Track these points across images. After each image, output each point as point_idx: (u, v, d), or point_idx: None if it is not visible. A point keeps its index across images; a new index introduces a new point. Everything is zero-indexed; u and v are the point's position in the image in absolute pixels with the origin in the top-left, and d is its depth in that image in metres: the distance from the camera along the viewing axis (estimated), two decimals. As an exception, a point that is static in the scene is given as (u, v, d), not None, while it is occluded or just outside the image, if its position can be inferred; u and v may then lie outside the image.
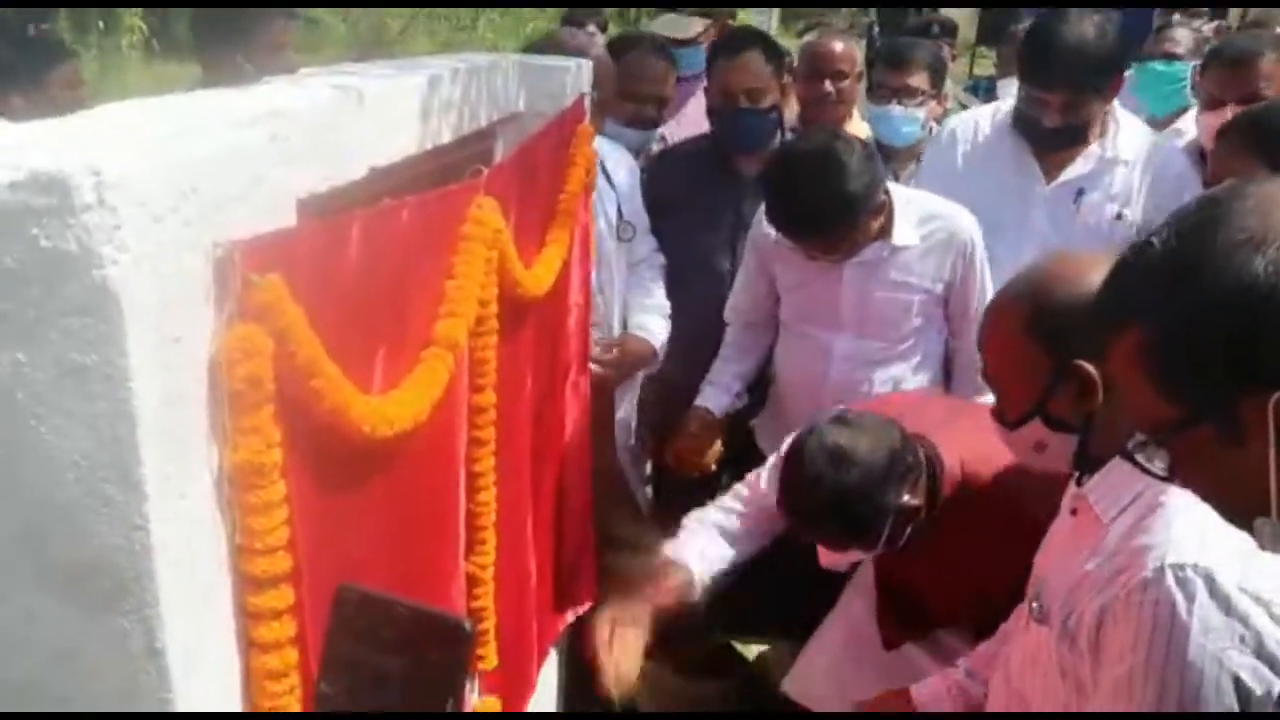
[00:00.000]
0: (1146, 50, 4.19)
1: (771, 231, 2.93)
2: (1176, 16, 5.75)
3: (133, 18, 11.32)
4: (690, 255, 3.49)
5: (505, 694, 2.21)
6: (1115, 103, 3.25)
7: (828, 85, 3.74)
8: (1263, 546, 1.11)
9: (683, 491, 3.63)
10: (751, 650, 3.27)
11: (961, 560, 2.19)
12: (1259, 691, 1.38)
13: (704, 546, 2.61)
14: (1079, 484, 1.70)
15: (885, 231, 2.89)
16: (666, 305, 3.44)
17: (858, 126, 3.75)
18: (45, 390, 1.06)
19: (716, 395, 3.25)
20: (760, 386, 3.35)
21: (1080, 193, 3.24)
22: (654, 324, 3.40)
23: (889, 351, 2.99)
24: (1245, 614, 1.41)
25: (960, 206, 2.99)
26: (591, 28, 4.85)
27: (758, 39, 3.48)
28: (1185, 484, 1.19)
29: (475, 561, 1.97)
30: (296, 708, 1.31)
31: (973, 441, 2.22)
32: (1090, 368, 1.60)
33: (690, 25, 4.33)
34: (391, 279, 1.54)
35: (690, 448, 3.27)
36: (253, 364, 1.17)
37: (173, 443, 1.13)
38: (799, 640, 2.75)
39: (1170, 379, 1.09)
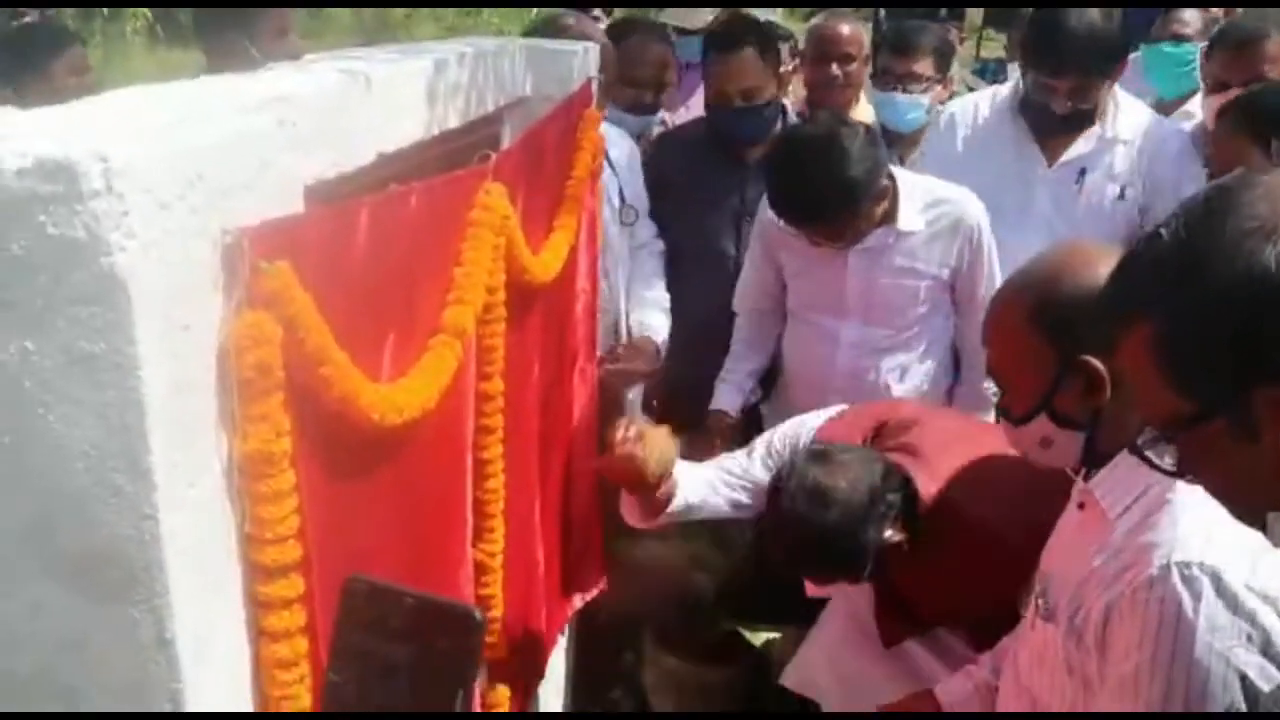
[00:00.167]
0: (1154, 33, 4.16)
1: (776, 218, 2.92)
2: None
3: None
4: (693, 239, 3.48)
5: (513, 681, 2.21)
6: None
7: (834, 69, 3.71)
8: (1276, 544, 1.09)
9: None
10: (759, 637, 3.27)
11: (943, 581, 2.19)
12: (1266, 689, 1.37)
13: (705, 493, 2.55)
14: (1086, 479, 1.69)
15: (890, 217, 2.87)
16: (667, 298, 3.43)
17: (864, 110, 3.73)
18: (53, 379, 1.05)
19: (731, 395, 3.24)
20: (769, 374, 3.34)
21: (1082, 173, 3.23)
22: (656, 321, 3.38)
23: (895, 339, 2.98)
24: (1252, 612, 1.40)
25: (967, 191, 2.97)
26: (597, 11, 4.83)
27: (751, 33, 3.42)
28: (1196, 480, 1.17)
29: (483, 549, 1.97)
30: (306, 697, 1.30)
31: (962, 468, 2.22)
32: (1097, 363, 1.57)
33: (699, 16, 4.30)
34: (399, 265, 1.53)
35: (711, 457, 3.25)
36: (262, 351, 1.16)
37: (182, 431, 1.12)
38: (805, 627, 2.74)
39: (1181, 373, 1.07)
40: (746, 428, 3.31)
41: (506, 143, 2.27)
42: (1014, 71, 3.90)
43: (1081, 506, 1.70)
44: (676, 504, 2.43)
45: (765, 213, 3.01)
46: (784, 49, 4.21)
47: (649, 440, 2.29)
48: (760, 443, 2.55)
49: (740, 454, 2.58)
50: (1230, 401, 1.04)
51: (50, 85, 3.39)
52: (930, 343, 3.01)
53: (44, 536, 1.10)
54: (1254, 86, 2.94)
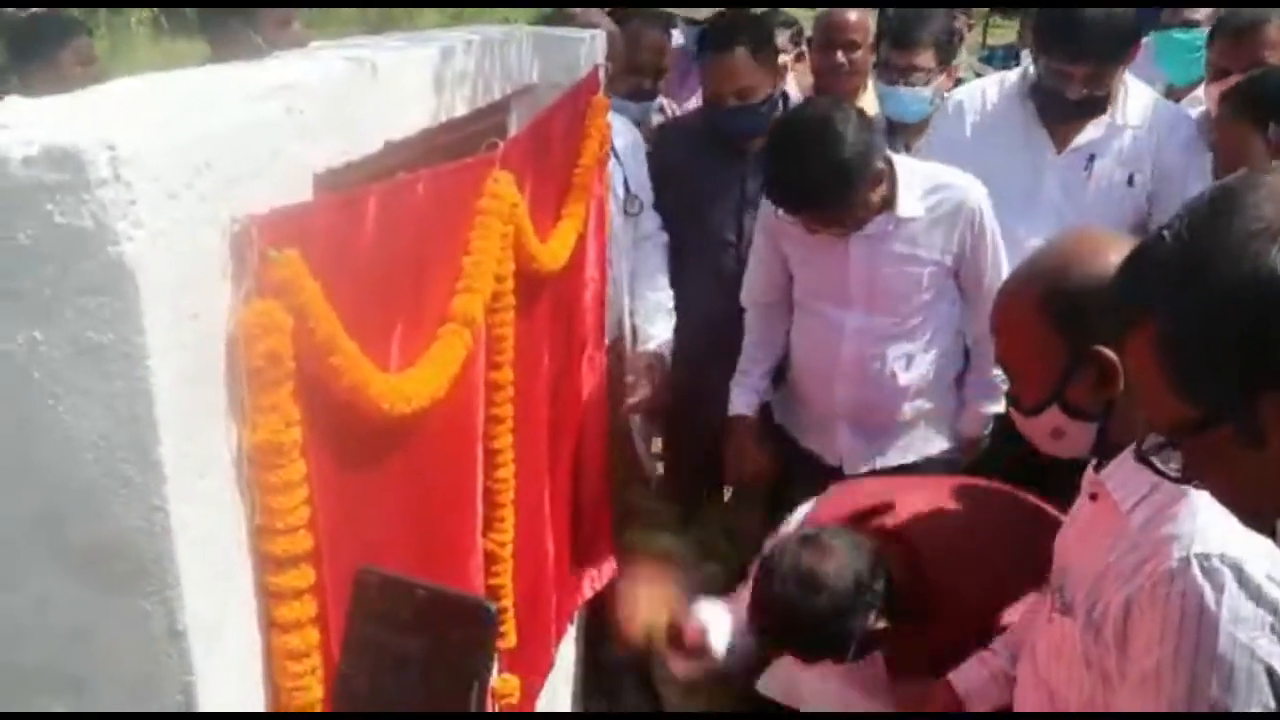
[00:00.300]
0: (1164, 19, 4.13)
1: (786, 214, 2.91)
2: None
3: (141, -7, 11.29)
4: (695, 229, 3.47)
5: (524, 671, 2.20)
6: (1122, 68, 3.22)
7: (839, 56, 3.70)
8: None
9: (693, 468, 3.63)
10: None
11: (927, 651, 2.22)
12: None
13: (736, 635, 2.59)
14: (1097, 469, 1.67)
15: (889, 204, 2.86)
16: (670, 295, 3.44)
17: (872, 98, 3.71)
18: (62, 369, 1.04)
19: (747, 397, 3.22)
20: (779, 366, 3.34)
21: (1091, 159, 3.21)
22: (659, 327, 3.40)
23: (900, 326, 2.96)
24: (1275, 602, 1.38)
25: (968, 175, 2.95)
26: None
27: (744, 31, 3.38)
28: (1202, 486, 1.15)
29: (493, 539, 1.96)
30: (318, 688, 1.29)
31: (940, 544, 2.27)
32: (1110, 353, 1.55)
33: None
34: (408, 254, 1.52)
35: (742, 464, 3.25)
36: (272, 340, 1.15)
37: (191, 422, 1.11)
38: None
39: (1185, 377, 1.04)
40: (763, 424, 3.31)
41: (514, 131, 2.26)
42: (1025, 57, 3.88)
43: (1094, 498, 1.68)
44: (716, 653, 2.53)
45: (768, 204, 3.00)
46: (784, 36, 4.18)
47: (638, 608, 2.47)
48: None
49: None
50: (1236, 407, 1.02)
51: (57, 75, 3.39)
52: (936, 330, 2.99)
53: (53, 528, 1.10)
54: (1254, 71, 2.92)
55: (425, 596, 1.11)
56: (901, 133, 3.59)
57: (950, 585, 2.21)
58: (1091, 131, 3.20)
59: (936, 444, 3.11)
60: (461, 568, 1.85)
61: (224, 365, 1.16)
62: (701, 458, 3.52)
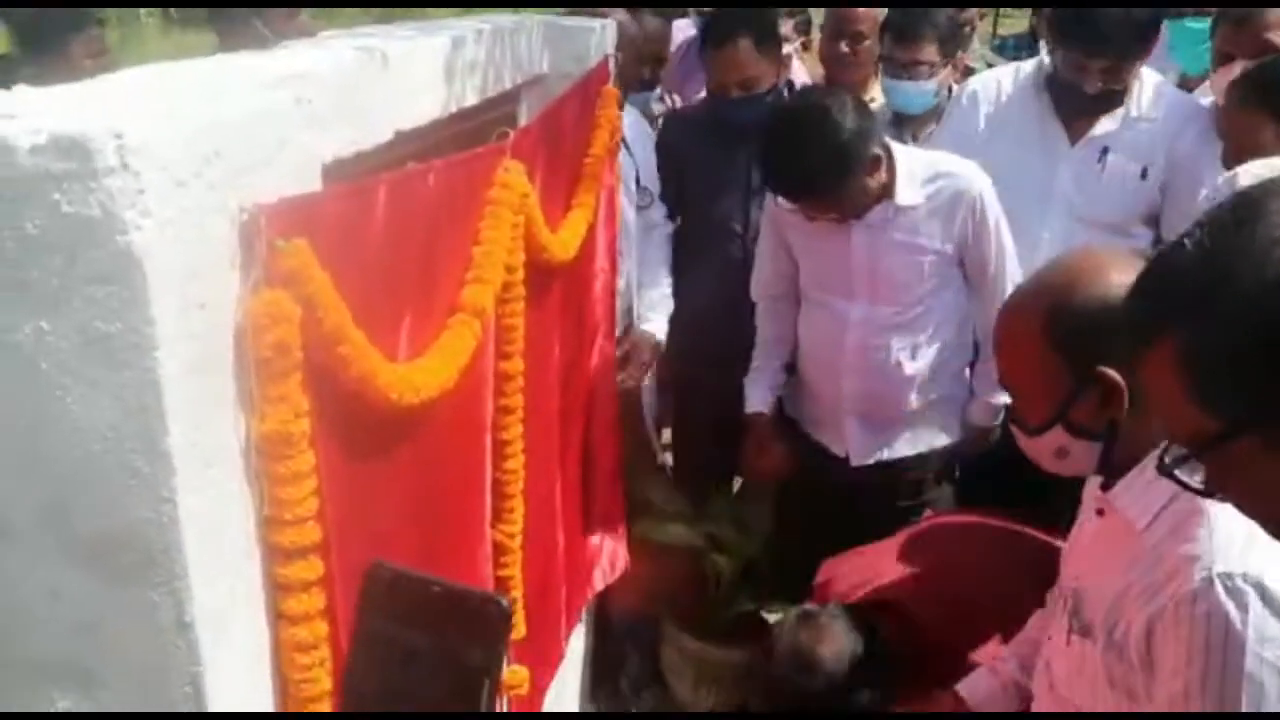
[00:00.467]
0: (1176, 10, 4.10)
1: (785, 202, 2.91)
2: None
3: (151, -14, 11.30)
4: (701, 218, 3.47)
5: (532, 662, 2.19)
6: (1137, 61, 3.20)
7: (844, 46, 3.69)
8: None
9: (701, 459, 3.63)
10: (777, 618, 3.26)
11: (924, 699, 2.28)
12: None
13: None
14: (1104, 487, 1.65)
15: (888, 192, 2.85)
16: (670, 283, 3.45)
17: (880, 89, 3.70)
18: (69, 359, 1.04)
19: (762, 393, 3.22)
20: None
21: (1105, 151, 3.18)
22: (658, 315, 3.40)
23: (903, 316, 2.95)
24: None
25: (970, 164, 2.93)
26: None
27: (747, 23, 3.37)
28: (1226, 498, 1.12)
29: (503, 530, 1.96)
30: (326, 680, 1.29)
31: (937, 597, 2.35)
32: (1114, 374, 1.53)
33: None
34: (417, 244, 1.51)
35: (759, 461, 3.25)
36: (280, 330, 1.15)
37: (200, 412, 1.11)
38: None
39: (1209, 390, 1.01)
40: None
41: (524, 120, 2.26)
42: (1042, 47, 3.84)
43: (1100, 514, 1.67)
44: None
45: (773, 195, 2.99)
46: (789, 25, 4.16)
47: None
48: None
49: None
50: (1261, 417, 1.00)
51: (68, 66, 3.38)
52: (941, 320, 2.98)
53: (61, 519, 1.09)
54: (1266, 59, 2.89)
55: (438, 592, 1.10)
56: (908, 124, 3.58)
57: (950, 638, 2.27)
58: (1106, 124, 3.17)
59: (944, 435, 3.10)
60: (470, 559, 1.85)
61: (232, 355, 1.16)
62: (710, 448, 3.52)
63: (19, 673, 1.16)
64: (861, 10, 3.70)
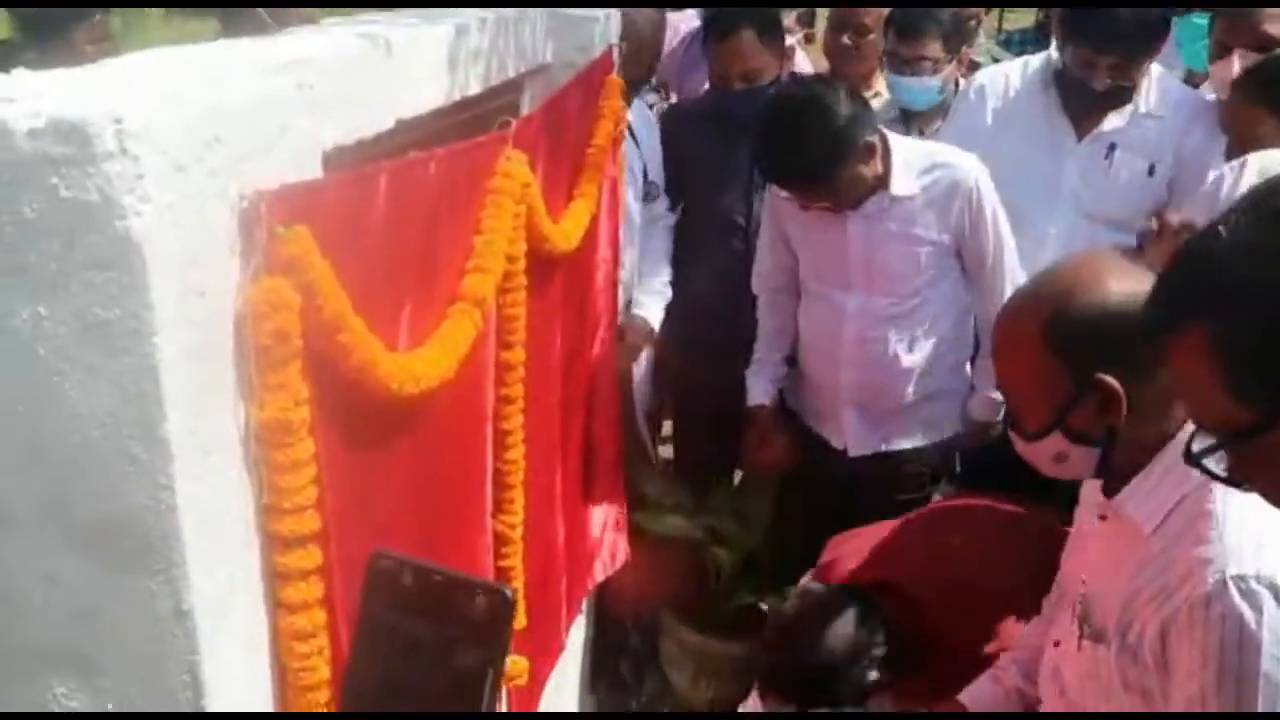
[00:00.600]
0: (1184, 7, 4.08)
1: (780, 190, 2.90)
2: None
3: (154, -27, 11.26)
4: (704, 210, 3.47)
5: (533, 654, 2.19)
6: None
7: (846, 39, 3.69)
8: None
9: (702, 452, 3.63)
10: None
11: (927, 689, 2.27)
12: None
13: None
14: (1105, 492, 1.65)
15: (884, 182, 2.85)
16: (669, 273, 3.45)
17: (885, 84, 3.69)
18: (68, 345, 1.03)
19: (764, 385, 3.22)
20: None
21: (1112, 148, 3.17)
22: (654, 304, 3.40)
23: (900, 307, 2.95)
24: None
25: (968, 154, 2.93)
26: None
27: (749, 15, 3.37)
28: (1252, 488, 1.12)
29: (503, 520, 1.95)
30: (324, 669, 1.29)
31: (940, 579, 2.33)
32: (1113, 381, 1.53)
33: None
34: (418, 233, 1.51)
35: (761, 454, 3.25)
36: (280, 318, 1.14)
37: (199, 399, 1.10)
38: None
39: (1240, 378, 1.01)
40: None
41: (527, 110, 2.25)
42: (1052, 42, 3.83)
43: (1103, 518, 1.66)
44: None
45: (773, 187, 2.99)
46: (791, 17, 4.15)
47: None
48: None
49: None
50: None
51: (71, 52, 3.37)
52: (939, 313, 2.98)
53: (59, 506, 1.09)
54: (1267, 56, 2.88)
55: (441, 582, 1.09)
56: (915, 120, 3.57)
57: (951, 622, 2.26)
58: (1114, 120, 3.16)
59: (944, 428, 3.10)
60: (471, 550, 1.84)
61: (232, 342, 1.15)
62: (710, 441, 3.52)
63: (17, 660, 1.15)
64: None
